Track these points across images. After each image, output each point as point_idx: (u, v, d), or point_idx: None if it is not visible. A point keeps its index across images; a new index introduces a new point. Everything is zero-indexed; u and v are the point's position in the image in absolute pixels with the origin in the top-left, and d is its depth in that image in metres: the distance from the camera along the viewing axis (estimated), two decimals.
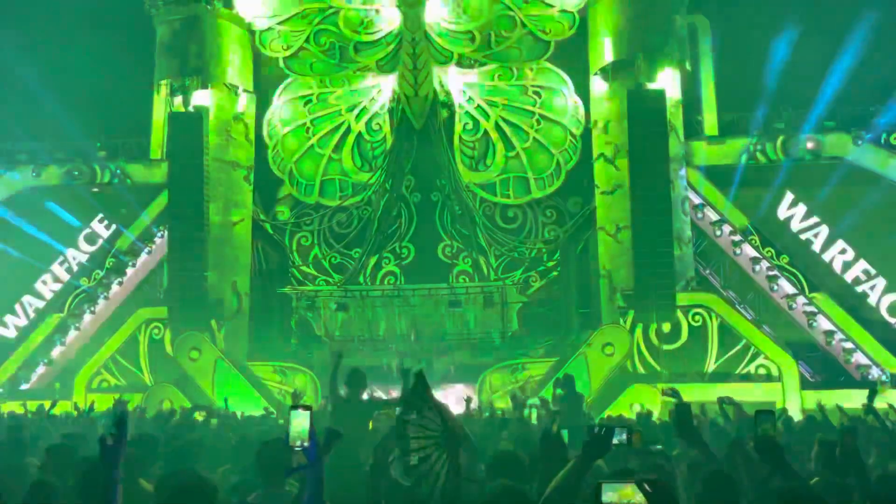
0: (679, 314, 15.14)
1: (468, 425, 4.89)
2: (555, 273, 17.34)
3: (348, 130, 17.88)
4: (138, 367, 16.28)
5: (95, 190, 18.35)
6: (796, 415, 11.84)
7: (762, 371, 14.94)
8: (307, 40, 17.53)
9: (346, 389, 7.48)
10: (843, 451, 4.29)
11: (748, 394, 13.70)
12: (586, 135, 16.96)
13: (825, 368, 15.99)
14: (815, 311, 15.94)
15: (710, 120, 17.48)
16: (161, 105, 17.99)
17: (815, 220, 16.68)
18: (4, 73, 17.81)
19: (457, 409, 12.46)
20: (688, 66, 16.37)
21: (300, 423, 2.72)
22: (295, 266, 17.86)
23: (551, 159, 17.32)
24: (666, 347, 15.17)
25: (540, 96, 17.41)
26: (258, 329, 17.17)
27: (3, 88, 17.43)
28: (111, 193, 18.24)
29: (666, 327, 15.17)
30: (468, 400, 11.37)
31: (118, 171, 18.17)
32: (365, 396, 7.83)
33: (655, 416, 11.32)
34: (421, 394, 3.06)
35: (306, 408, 2.74)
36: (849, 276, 16.55)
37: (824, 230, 16.60)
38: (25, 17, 18.68)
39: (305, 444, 2.70)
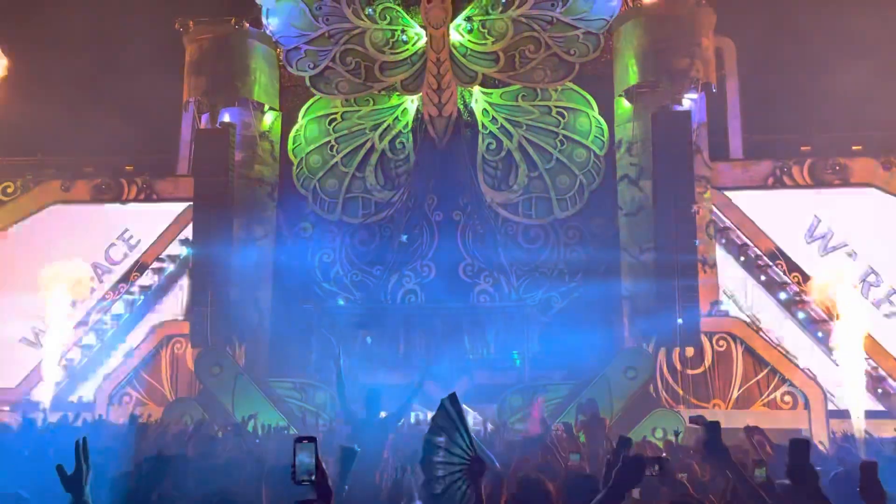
0: (703, 339, 14.93)
1: (487, 447, 4.82)
2: (576, 294, 17.21)
3: (372, 149, 17.99)
4: (160, 382, 16.36)
5: (122, 205, 18.58)
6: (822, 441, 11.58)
7: (787, 398, 14.67)
8: (333, 60, 17.72)
9: (364, 411, 7.40)
10: (863, 484, 4.12)
11: (774, 421, 13.50)
12: (610, 156, 16.92)
13: None
14: None
15: (735, 142, 17.37)
16: (188, 122, 18.27)
17: (842, 244, 16.41)
18: (38, 90, 18.15)
19: (475, 429, 12.41)
20: (713, 89, 16.31)
21: (306, 456, 2.58)
22: (316, 283, 17.91)
23: (574, 180, 17.28)
24: (689, 372, 14.96)
25: (564, 117, 17.41)
26: (279, 345, 17.19)
27: (37, 105, 17.73)
28: (138, 209, 18.44)
29: (689, 352, 14.97)
30: (485, 421, 11.30)
31: (145, 187, 18.43)
32: (383, 415, 7.76)
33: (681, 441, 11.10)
34: (453, 416, 2.96)
35: (311, 440, 2.62)
36: (877, 303, 16.23)
37: (852, 255, 16.31)
38: (57, 32, 19.04)
39: (312, 477, 2.58)
